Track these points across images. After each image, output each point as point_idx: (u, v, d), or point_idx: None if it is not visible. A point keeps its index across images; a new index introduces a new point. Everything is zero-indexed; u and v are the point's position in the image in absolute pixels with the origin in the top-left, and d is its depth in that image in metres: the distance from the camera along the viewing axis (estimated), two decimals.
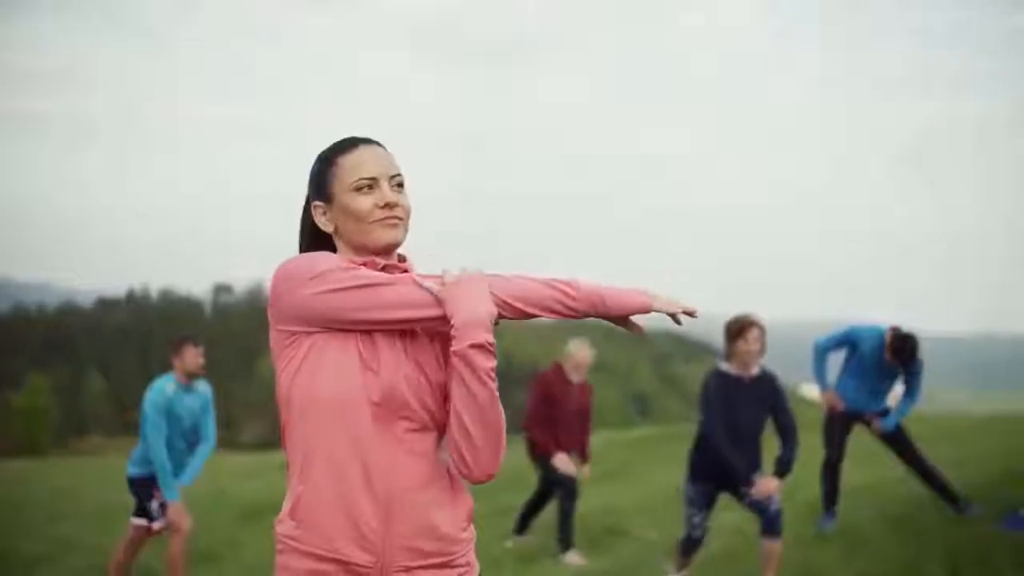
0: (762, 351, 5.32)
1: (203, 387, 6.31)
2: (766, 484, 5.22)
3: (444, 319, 2.03)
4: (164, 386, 6.09)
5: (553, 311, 2.10)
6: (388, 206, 2.09)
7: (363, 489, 2.01)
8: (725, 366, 5.38)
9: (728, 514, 6.91)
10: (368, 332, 2.04)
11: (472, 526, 2.17)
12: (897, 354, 6.59)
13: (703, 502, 5.48)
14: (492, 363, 2.00)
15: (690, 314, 2.16)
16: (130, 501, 6.31)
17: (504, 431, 2.05)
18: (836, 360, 7.01)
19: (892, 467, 7.20)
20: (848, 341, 6.89)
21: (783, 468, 5.32)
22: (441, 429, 2.10)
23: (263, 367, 69.47)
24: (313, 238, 2.20)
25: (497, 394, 2.02)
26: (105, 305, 78.61)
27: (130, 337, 69.80)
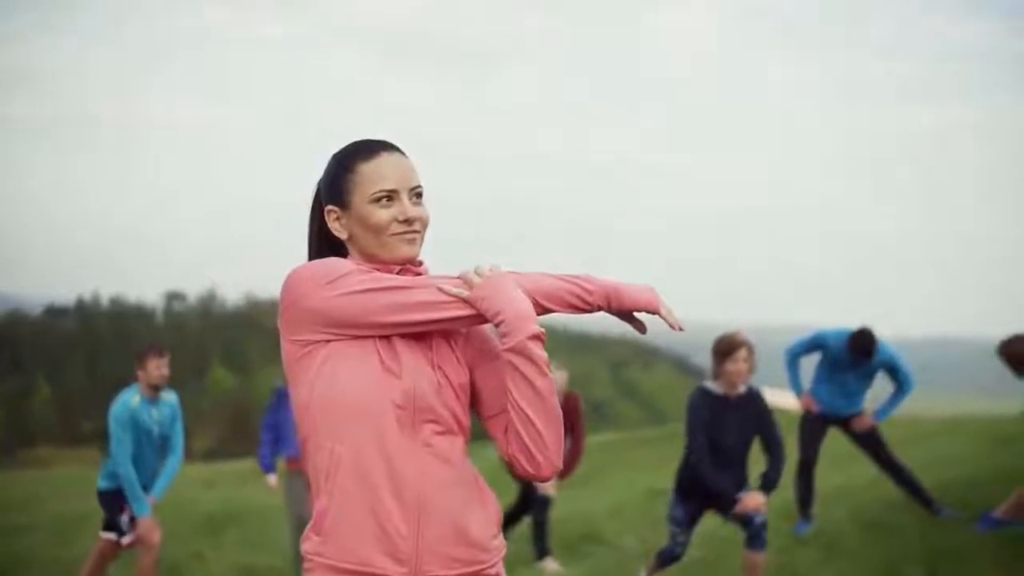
0: (751, 370, 5.27)
1: (170, 397, 6.16)
2: (751, 499, 5.18)
3: (471, 319, 1.99)
4: (129, 399, 5.94)
5: (570, 305, 2.06)
6: (408, 221, 2.03)
7: (391, 496, 1.94)
8: (711, 385, 5.31)
9: (706, 521, 6.88)
10: (387, 337, 1.98)
11: (502, 535, 2.11)
12: (855, 352, 6.65)
13: (687, 522, 5.43)
14: (545, 355, 1.97)
15: (677, 328, 2.15)
16: (86, 512, 6.16)
17: (562, 421, 2.02)
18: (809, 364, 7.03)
19: (866, 469, 7.20)
20: (816, 345, 6.93)
21: (769, 484, 5.28)
22: (466, 432, 2.05)
23: (217, 376, 68.85)
24: (324, 242, 2.13)
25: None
26: (53, 313, 77.32)
27: (79, 346, 68.71)
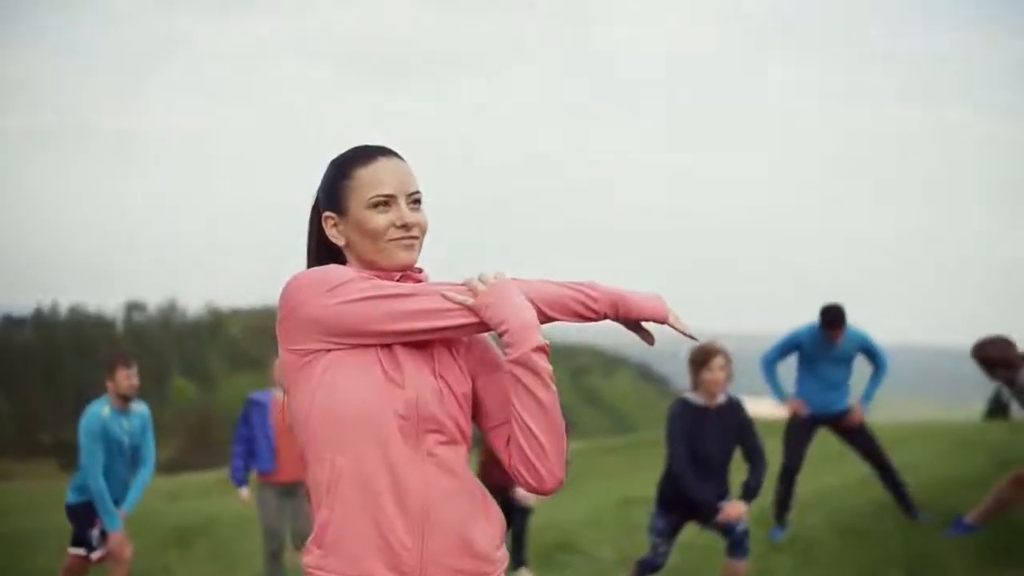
0: (728, 379, 5.26)
1: (141, 408, 6.05)
2: (733, 508, 5.17)
3: (474, 327, 1.95)
4: (99, 410, 5.82)
5: (575, 313, 2.01)
6: (405, 226, 1.99)
7: (395, 507, 1.90)
8: (691, 396, 5.30)
9: (685, 529, 6.87)
10: (388, 345, 1.94)
11: (504, 546, 2.06)
12: (830, 326, 6.71)
13: (670, 532, 5.41)
14: (550, 367, 1.93)
15: (690, 335, 2.10)
16: (46, 527, 6.03)
17: (565, 434, 1.98)
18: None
19: (840, 476, 7.24)
20: (791, 345, 6.97)
21: (750, 493, 5.27)
22: (468, 442, 2.01)
23: (178, 386, 68.13)
24: (323, 249, 2.09)
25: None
26: (11, 323, 76.16)
27: (37, 357, 67.72)
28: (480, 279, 1.96)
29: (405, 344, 1.95)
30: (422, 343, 1.97)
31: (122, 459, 5.90)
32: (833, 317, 6.72)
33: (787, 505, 6.95)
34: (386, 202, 1.99)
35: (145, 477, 6.05)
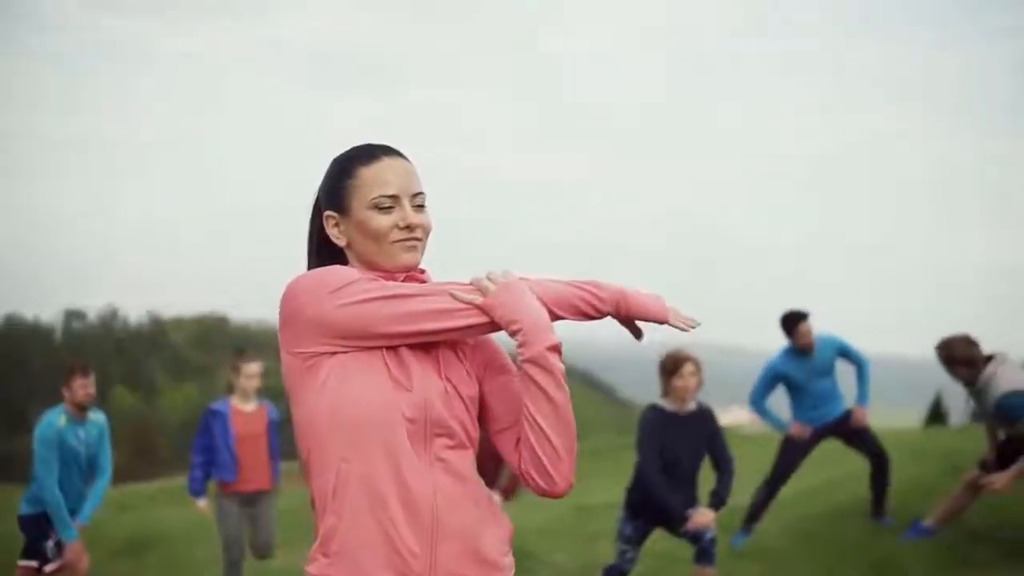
0: (699, 385, 5.29)
1: (98, 417, 5.93)
2: (702, 515, 5.18)
3: (484, 327, 1.92)
4: (55, 419, 5.69)
5: (581, 312, 2.00)
6: (409, 228, 1.95)
7: (403, 513, 1.85)
8: (661, 402, 5.31)
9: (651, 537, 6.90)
10: (394, 348, 1.90)
11: (511, 553, 2.02)
12: (793, 335, 6.75)
13: (638, 539, 5.41)
14: (563, 366, 1.90)
15: (692, 325, 2.08)
16: (5, 537, 5.87)
17: (575, 437, 1.95)
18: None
19: (796, 483, 7.30)
20: (772, 378, 6.96)
21: (718, 501, 5.28)
22: (475, 445, 1.98)
23: (118, 396, 66.91)
24: (322, 249, 2.05)
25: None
26: None
27: None
28: (488, 277, 1.94)
29: (411, 346, 1.91)
30: (428, 345, 1.93)
31: (78, 469, 5.78)
32: (793, 320, 6.77)
33: (760, 515, 6.99)
34: (390, 203, 1.95)
35: (102, 487, 5.93)
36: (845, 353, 6.93)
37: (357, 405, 1.85)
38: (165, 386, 70.82)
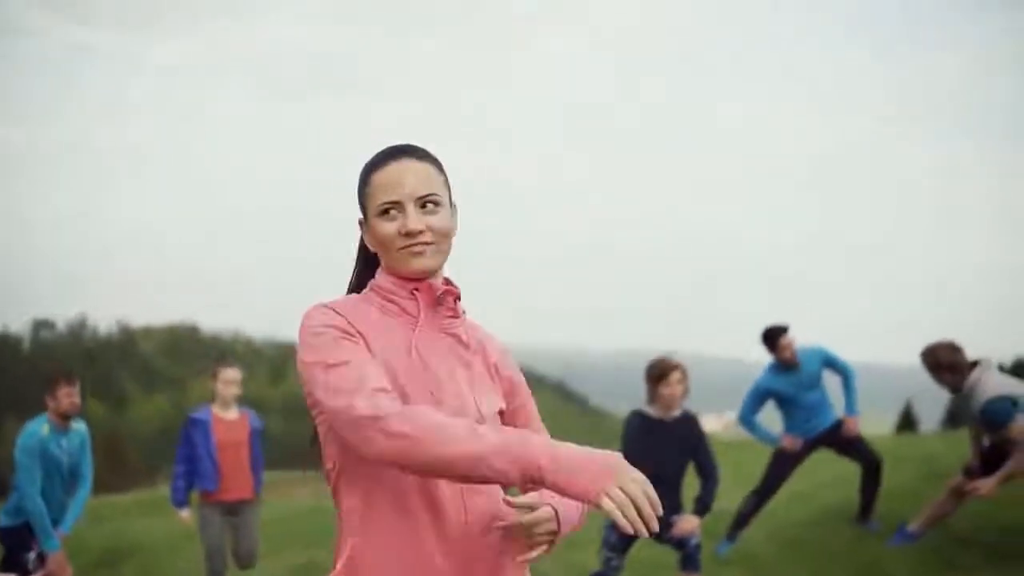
0: (685, 393, 5.29)
1: (80, 427, 5.86)
2: (687, 522, 5.19)
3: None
4: (37, 429, 5.61)
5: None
6: (409, 234, 1.88)
7: (432, 532, 1.81)
8: (647, 408, 5.31)
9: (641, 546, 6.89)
10: (424, 362, 1.88)
11: (529, 570, 2.00)
12: (775, 349, 6.81)
13: (623, 546, 5.39)
14: None
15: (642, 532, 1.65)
16: None
17: None
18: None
19: (784, 487, 7.31)
20: (760, 395, 6.97)
21: (703, 508, 5.29)
22: None
23: (89, 407, 66.26)
24: (359, 257, 2.05)
25: None
26: None
27: None
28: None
29: (441, 361, 1.89)
30: (460, 360, 1.91)
31: (60, 479, 5.70)
32: (774, 335, 6.82)
33: (747, 522, 7.00)
34: (393, 209, 1.89)
35: (84, 496, 5.87)
36: (831, 363, 6.95)
37: None
38: (135, 396, 70.25)
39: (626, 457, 5.34)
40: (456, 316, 1.97)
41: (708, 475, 5.35)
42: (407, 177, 1.90)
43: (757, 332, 6.97)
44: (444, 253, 1.94)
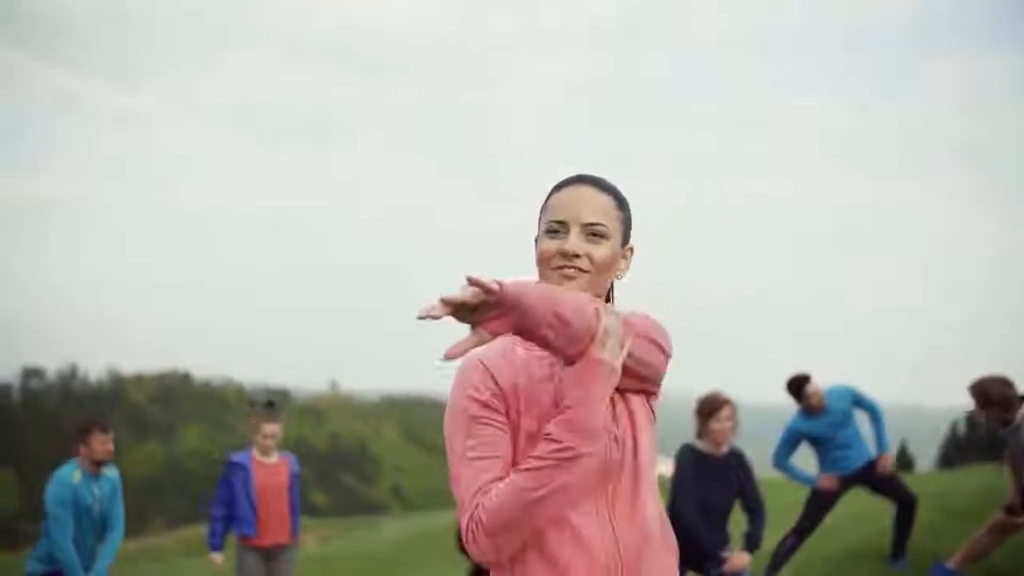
0: (734, 429, 5.31)
1: (111, 472, 5.81)
2: (739, 557, 5.18)
3: None
4: (68, 477, 5.56)
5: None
6: (565, 255, 1.87)
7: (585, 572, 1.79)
8: (697, 443, 5.34)
9: None
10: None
11: None
12: (801, 398, 6.81)
13: None
14: None
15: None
16: None
17: None
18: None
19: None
20: (793, 438, 6.99)
21: (753, 543, 5.31)
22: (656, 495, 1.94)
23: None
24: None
25: None
26: None
27: None
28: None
29: None
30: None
31: (90, 526, 5.66)
32: (797, 385, 6.86)
33: (783, 564, 6.97)
34: (558, 228, 1.89)
35: (115, 542, 5.81)
36: (858, 402, 6.98)
37: None
38: (126, 444, 69.61)
39: (678, 489, 5.26)
40: None
41: (756, 511, 5.36)
42: (580, 202, 1.90)
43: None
44: (598, 287, 1.91)
